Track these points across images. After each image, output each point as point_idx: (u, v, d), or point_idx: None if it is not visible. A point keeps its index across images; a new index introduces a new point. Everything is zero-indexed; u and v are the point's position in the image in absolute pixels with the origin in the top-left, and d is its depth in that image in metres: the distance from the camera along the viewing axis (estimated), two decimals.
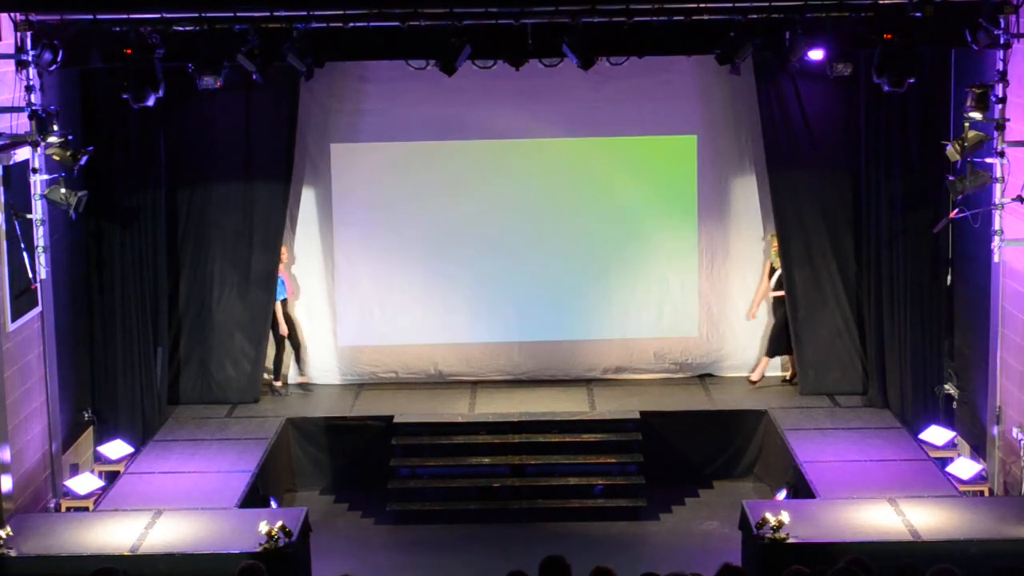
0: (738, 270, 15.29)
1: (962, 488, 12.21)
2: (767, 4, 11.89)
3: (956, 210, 12.70)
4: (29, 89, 11.73)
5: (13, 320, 11.89)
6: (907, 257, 14.20)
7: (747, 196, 15.18)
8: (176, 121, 14.30)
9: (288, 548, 10.46)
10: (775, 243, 14.77)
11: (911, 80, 12.09)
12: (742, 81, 14.14)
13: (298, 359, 15.28)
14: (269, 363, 15.25)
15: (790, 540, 10.42)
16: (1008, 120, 11.79)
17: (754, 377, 15.16)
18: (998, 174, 11.96)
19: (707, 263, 15.31)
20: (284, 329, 14.93)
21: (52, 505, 12.64)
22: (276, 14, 11.90)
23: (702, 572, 8.25)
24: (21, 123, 11.81)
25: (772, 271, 14.96)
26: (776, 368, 15.33)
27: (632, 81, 14.59)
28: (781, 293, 14.78)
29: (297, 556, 10.72)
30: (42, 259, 12.25)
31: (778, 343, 14.99)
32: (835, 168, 14.54)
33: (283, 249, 14.86)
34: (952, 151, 12.06)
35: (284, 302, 14.98)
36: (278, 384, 15.13)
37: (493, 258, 15.26)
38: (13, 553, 10.53)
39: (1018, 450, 12.17)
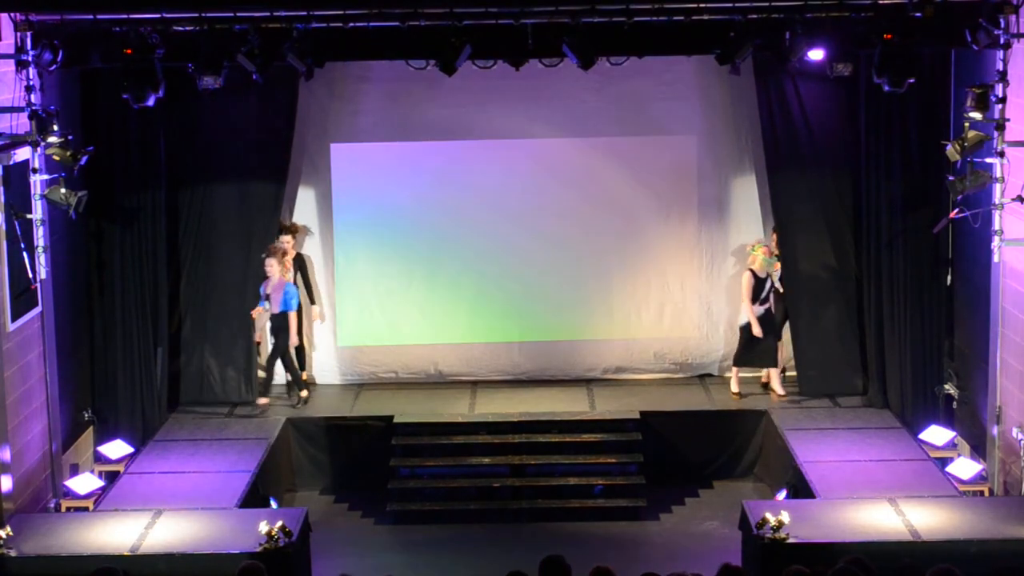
0: (738, 270, 15.27)
1: (962, 488, 12.21)
2: (767, 4, 11.89)
3: (956, 210, 12.71)
4: (29, 89, 11.73)
5: (13, 320, 11.89)
6: (907, 257, 14.21)
7: (747, 196, 15.18)
8: (176, 121, 14.30)
9: (288, 548, 10.46)
10: (762, 250, 14.40)
11: (911, 80, 12.09)
12: (742, 81, 14.14)
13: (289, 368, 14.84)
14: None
15: (790, 540, 10.42)
16: (1008, 120, 11.79)
17: (736, 388, 14.71)
18: (998, 174, 11.96)
19: (707, 263, 15.30)
20: (257, 336, 14.72)
21: (52, 505, 12.64)
22: (276, 14, 11.90)
23: (702, 572, 8.25)
24: (21, 123, 11.81)
25: (760, 283, 14.37)
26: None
27: (632, 81, 14.59)
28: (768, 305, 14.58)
29: (297, 556, 10.72)
30: (42, 259, 12.25)
31: (754, 354, 14.61)
32: (835, 168, 14.54)
33: (271, 261, 14.32)
34: (952, 151, 12.06)
35: (292, 313, 14.40)
36: (265, 402, 14.61)
37: (493, 258, 15.26)
38: (13, 553, 10.53)
39: (1018, 450, 12.17)
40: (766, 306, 14.42)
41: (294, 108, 14.44)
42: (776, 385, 14.64)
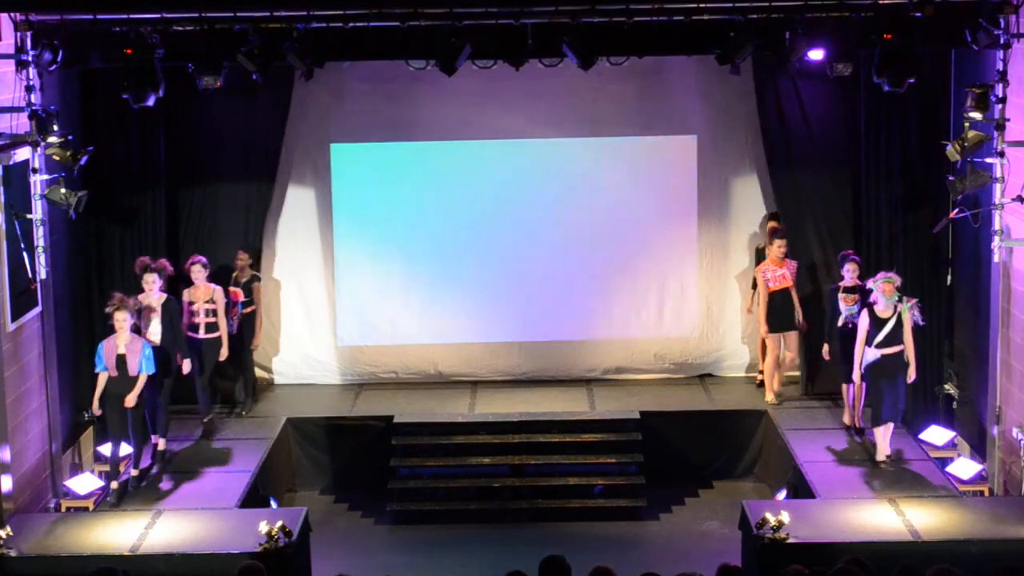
0: (738, 270, 15.28)
1: (962, 488, 12.21)
2: (767, 4, 11.89)
3: (956, 210, 12.72)
4: (29, 89, 11.74)
5: (13, 320, 11.89)
6: (907, 257, 14.22)
7: (747, 196, 15.17)
8: (176, 121, 14.31)
9: (288, 548, 10.46)
10: (883, 286, 12.37)
11: (911, 80, 12.09)
12: (742, 81, 14.14)
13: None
14: (271, 364, 15.25)
15: (790, 540, 10.42)
16: (1008, 120, 11.80)
17: (884, 456, 12.71)
18: (998, 174, 11.97)
19: (707, 263, 15.30)
20: (131, 400, 12.04)
21: (52, 505, 12.63)
22: (276, 14, 11.90)
23: (702, 572, 8.24)
24: (21, 123, 11.83)
25: (878, 323, 12.36)
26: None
27: (632, 81, 14.60)
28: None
29: (297, 556, 10.71)
30: (42, 259, 12.26)
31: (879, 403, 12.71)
32: (835, 168, 14.55)
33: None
34: (952, 151, 12.07)
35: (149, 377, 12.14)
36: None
37: (493, 258, 15.25)
38: (13, 553, 10.54)
39: (1018, 450, 12.17)
40: (884, 351, 12.33)
41: (286, 109, 14.44)
42: (884, 444, 12.65)
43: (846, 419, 13.49)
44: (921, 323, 12.51)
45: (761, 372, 14.82)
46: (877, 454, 12.61)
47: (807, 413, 14.10)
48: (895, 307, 12.33)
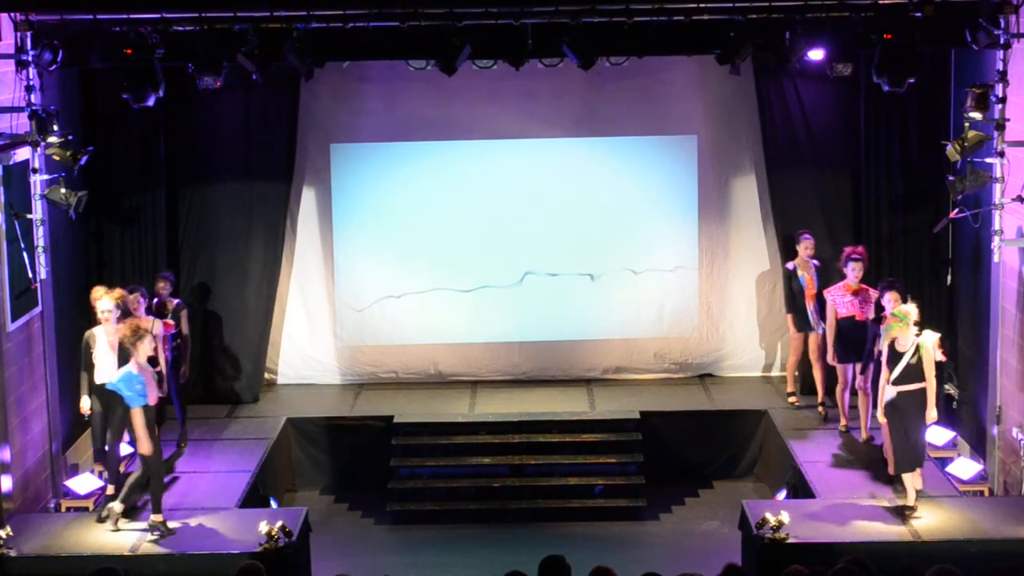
0: (738, 270, 15.28)
1: (962, 488, 12.20)
2: (767, 4, 11.89)
3: (956, 210, 12.72)
4: (29, 89, 11.73)
5: (13, 320, 11.89)
6: (907, 257, 14.23)
7: (747, 196, 15.17)
8: (176, 121, 14.32)
9: (288, 548, 10.47)
10: (898, 321, 11.29)
11: (911, 80, 12.09)
12: (742, 81, 14.14)
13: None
14: (270, 363, 15.27)
15: (790, 540, 10.43)
16: (1008, 120, 11.79)
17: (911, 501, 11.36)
18: (998, 174, 11.96)
19: (707, 263, 15.30)
20: (147, 447, 10.99)
21: (52, 505, 12.63)
22: (276, 14, 11.90)
23: (702, 572, 8.24)
24: (21, 123, 11.82)
25: (895, 357, 11.20)
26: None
27: (632, 81, 14.60)
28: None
29: (297, 556, 10.72)
30: (42, 259, 12.25)
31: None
32: (835, 168, 14.56)
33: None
34: (952, 151, 12.07)
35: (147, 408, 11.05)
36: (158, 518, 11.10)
37: (493, 258, 15.25)
38: (13, 553, 10.55)
39: (1018, 450, 12.17)
40: (899, 389, 11.19)
41: (295, 108, 14.48)
42: (911, 492, 11.34)
43: (862, 435, 12.97)
44: (940, 359, 11.45)
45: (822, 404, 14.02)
46: (908, 498, 11.32)
47: (807, 413, 14.08)
48: (913, 339, 11.22)
